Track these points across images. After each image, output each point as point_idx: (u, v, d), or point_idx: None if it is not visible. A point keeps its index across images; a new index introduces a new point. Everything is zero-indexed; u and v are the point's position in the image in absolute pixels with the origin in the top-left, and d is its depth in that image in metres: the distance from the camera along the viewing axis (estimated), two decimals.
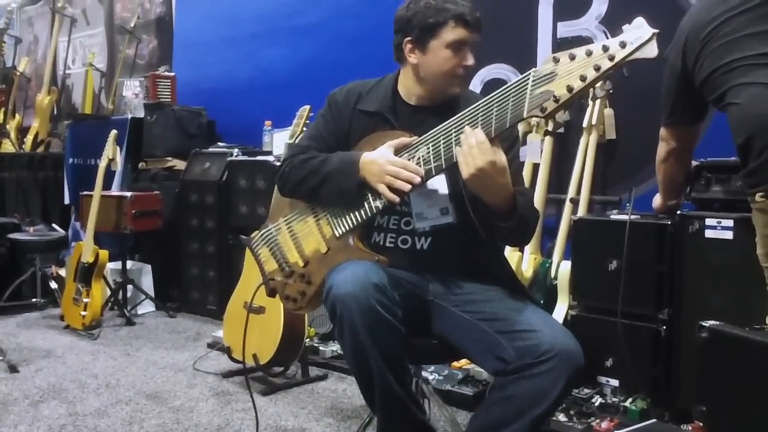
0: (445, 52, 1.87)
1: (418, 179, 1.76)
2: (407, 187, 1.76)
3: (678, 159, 2.37)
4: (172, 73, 5.20)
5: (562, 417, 2.50)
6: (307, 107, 3.19)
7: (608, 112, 3.17)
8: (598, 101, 3.13)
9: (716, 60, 2.01)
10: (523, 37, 3.44)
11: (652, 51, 1.50)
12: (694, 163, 2.49)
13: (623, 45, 1.50)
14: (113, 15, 6.34)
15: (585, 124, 3.15)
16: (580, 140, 3.19)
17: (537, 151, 3.29)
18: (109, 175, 4.45)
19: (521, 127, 3.32)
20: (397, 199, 1.77)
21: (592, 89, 3.14)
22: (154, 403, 2.89)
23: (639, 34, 1.50)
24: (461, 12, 1.84)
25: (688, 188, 2.53)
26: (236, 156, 4.25)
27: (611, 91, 3.17)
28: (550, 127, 3.27)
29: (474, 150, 1.66)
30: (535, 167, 3.29)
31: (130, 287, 4.38)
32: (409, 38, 1.91)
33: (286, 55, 4.71)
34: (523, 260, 3.22)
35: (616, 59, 1.51)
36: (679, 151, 2.33)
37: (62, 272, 4.60)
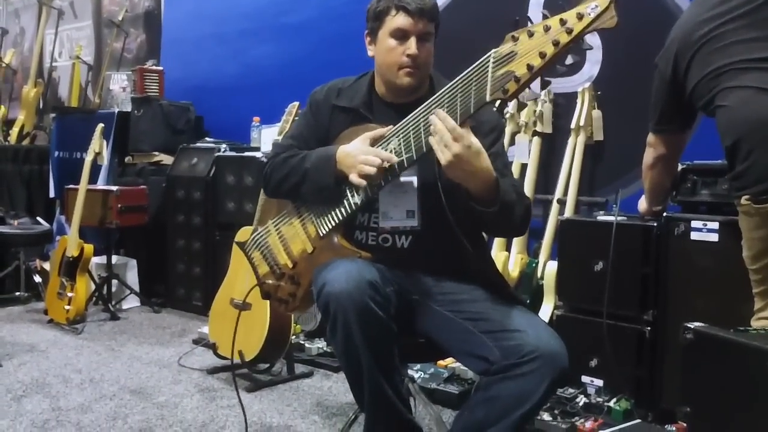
0: (389, 41, 1.87)
1: (378, 161, 1.75)
2: (371, 170, 1.75)
3: (665, 165, 2.38)
4: (160, 68, 5.17)
5: (546, 416, 2.51)
6: (296, 104, 3.19)
7: (596, 113, 3.19)
8: (586, 103, 3.14)
9: (705, 66, 2.03)
10: None
11: (611, 20, 1.45)
12: (680, 166, 2.51)
13: (580, 17, 1.46)
14: (101, 8, 6.30)
15: (573, 125, 3.17)
16: (567, 141, 3.21)
17: (525, 152, 3.30)
18: (95, 169, 4.43)
19: (509, 128, 3.33)
20: (363, 182, 1.77)
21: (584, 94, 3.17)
22: (138, 398, 2.87)
23: (596, 4, 1.45)
24: (404, 0, 1.82)
25: (674, 192, 2.55)
26: (224, 152, 4.24)
27: (599, 93, 3.19)
28: (538, 128, 3.28)
29: (446, 136, 1.63)
30: (523, 167, 3.30)
31: (115, 282, 4.35)
32: (366, 31, 1.94)
33: (274, 52, 4.70)
34: (509, 260, 3.23)
35: (575, 32, 1.47)
36: (666, 158, 2.35)
37: (46, 266, 4.58)
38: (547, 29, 1.50)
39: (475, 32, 3.60)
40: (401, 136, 1.77)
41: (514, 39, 1.55)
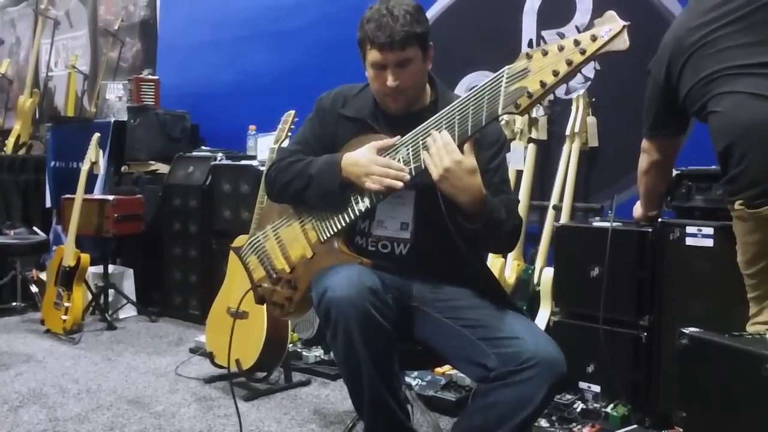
0: (370, 72, 1.91)
1: (407, 177, 1.77)
2: (399, 185, 1.76)
3: (659, 171, 2.40)
4: (156, 77, 5.19)
5: (544, 422, 2.52)
6: (292, 112, 3.19)
7: (591, 120, 3.20)
8: (581, 109, 3.16)
9: (698, 72, 2.04)
10: (507, 44, 3.46)
11: (623, 43, 1.51)
12: (674, 171, 2.52)
13: (594, 38, 1.52)
14: (97, 17, 6.31)
15: (568, 131, 3.18)
16: (563, 148, 3.22)
17: (520, 159, 3.31)
18: (92, 178, 4.42)
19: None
20: (383, 188, 1.78)
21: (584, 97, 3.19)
22: (135, 408, 2.87)
23: (610, 27, 1.51)
24: (374, 35, 1.83)
25: (669, 197, 2.56)
26: (220, 160, 4.24)
27: (594, 100, 3.21)
28: (534, 135, 3.30)
29: (441, 151, 1.68)
30: (519, 174, 3.31)
31: (111, 291, 4.34)
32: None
33: (270, 60, 4.71)
34: (506, 267, 3.24)
35: (588, 53, 1.52)
36: (660, 163, 2.36)
37: (43, 276, 4.56)
38: (561, 49, 1.55)
39: (469, 38, 3.64)
40: (410, 145, 1.79)
41: (528, 57, 1.60)
